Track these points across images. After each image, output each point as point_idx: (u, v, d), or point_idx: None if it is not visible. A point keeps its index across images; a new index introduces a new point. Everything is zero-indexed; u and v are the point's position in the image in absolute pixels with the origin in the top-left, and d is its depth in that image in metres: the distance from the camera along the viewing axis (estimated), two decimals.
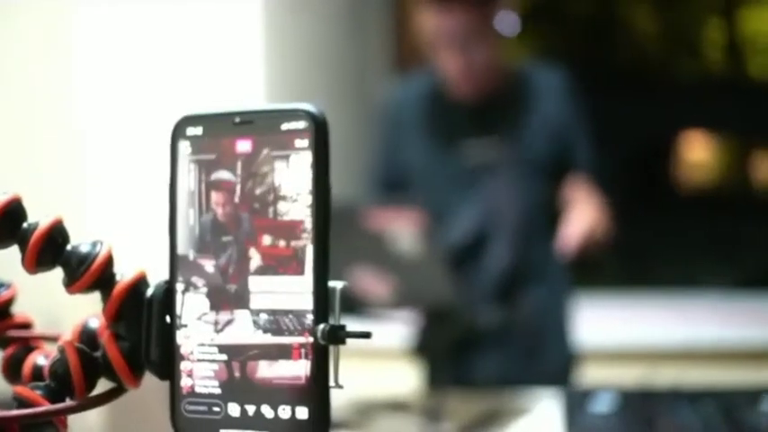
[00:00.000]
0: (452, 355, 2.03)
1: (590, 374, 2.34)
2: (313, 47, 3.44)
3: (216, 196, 0.54)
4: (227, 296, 0.53)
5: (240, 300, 0.53)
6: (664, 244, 6.97)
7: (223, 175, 0.54)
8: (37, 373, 0.67)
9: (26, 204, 0.57)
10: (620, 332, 2.98)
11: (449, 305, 1.76)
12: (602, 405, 1.91)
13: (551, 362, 2.18)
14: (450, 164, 2.13)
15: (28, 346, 0.70)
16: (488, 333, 2.07)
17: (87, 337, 0.61)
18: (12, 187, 0.58)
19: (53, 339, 0.69)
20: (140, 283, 0.55)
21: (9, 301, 0.70)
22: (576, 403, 1.92)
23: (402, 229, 1.62)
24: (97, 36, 3.19)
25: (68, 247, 0.56)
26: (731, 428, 1.82)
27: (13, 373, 0.69)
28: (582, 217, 2.01)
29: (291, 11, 3.29)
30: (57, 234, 0.56)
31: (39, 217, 0.57)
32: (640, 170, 6.91)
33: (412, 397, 1.94)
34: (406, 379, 2.05)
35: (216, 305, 0.54)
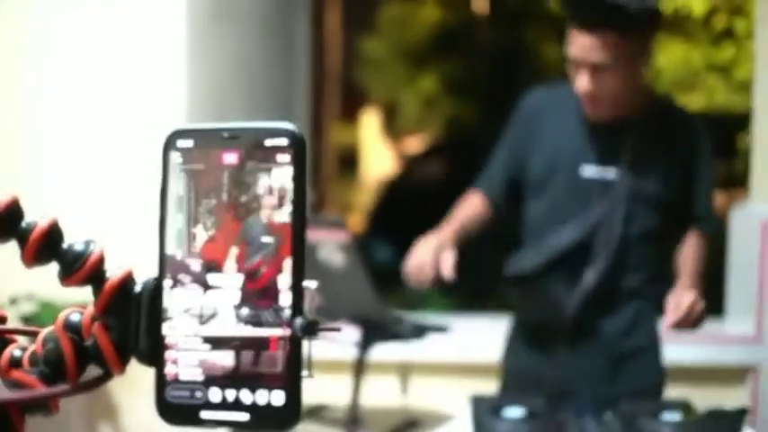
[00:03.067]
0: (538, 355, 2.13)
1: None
2: (234, 58, 3.47)
3: (204, 203, 0.60)
4: (212, 292, 0.59)
5: (227, 293, 0.59)
6: None
7: (211, 183, 0.60)
8: (15, 363, 0.72)
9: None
10: None
11: (374, 316, 1.82)
12: (512, 413, 2.00)
13: (633, 381, 2.22)
14: (569, 175, 2.17)
15: (3, 339, 0.75)
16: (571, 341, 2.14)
17: (71, 328, 0.66)
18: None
19: (32, 333, 0.74)
20: (130, 279, 0.61)
21: None
22: (487, 414, 2.01)
23: (329, 243, 1.68)
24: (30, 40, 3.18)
25: (64, 245, 0.61)
26: None
27: None
28: (689, 292, 2.03)
29: (214, 22, 3.33)
30: (54, 232, 0.61)
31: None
32: None
33: (332, 406, 2.00)
34: (331, 389, 2.11)
35: (201, 300, 0.60)
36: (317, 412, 2.06)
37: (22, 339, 0.76)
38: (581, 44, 2.04)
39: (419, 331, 2.09)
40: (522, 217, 2.27)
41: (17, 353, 0.72)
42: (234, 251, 0.59)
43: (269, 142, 0.59)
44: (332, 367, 2.48)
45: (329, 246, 1.71)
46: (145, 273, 0.62)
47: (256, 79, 3.61)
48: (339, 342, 1.96)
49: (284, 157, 0.59)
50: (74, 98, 3.16)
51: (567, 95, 2.21)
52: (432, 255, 2.02)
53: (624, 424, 1.97)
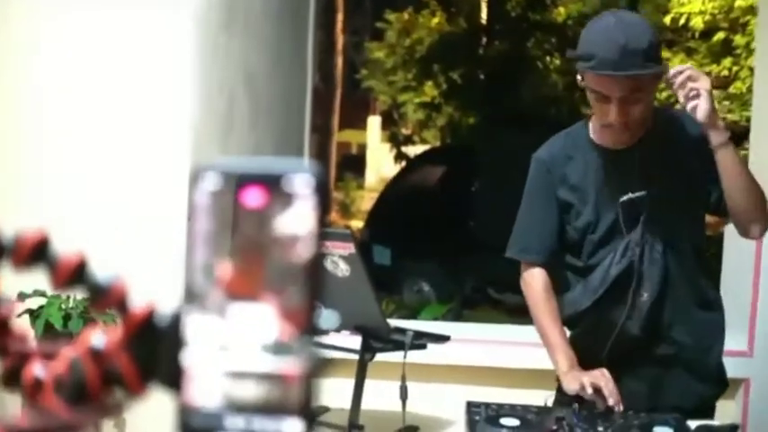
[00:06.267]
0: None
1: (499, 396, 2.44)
2: (242, 67, 3.50)
3: (229, 237, 0.63)
4: (236, 323, 0.62)
5: (248, 326, 0.62)
6: None
7: (236, 219, 0.63)
8: (36, 383, 0.75)
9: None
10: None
11: (376, 326, 1.86)
12: (507, 424, 2.03)
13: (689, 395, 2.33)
14: (605, 208, 2.28)
15: (24, 357, 0.78)
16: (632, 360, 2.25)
17: (95, 352, 0.69)
18: None
19: (53, 353, 0.76)
20: (154, 309, 0.64)
21: (10, 315, 0.77)
22: (483, 422, 2.04)
23: (335, 254, 1.72)
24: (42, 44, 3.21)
25: (90, 273, 0.64)
26: None
27: (13, 383, 0.76)
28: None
29: (222, 31, 3.35)
30: (83, 262, 0.64)
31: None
32: None
33: (334, 409, 2.04)
34: (334, 392, 2.14)
35: (224, 330, 0.62)
36: (319, 414, 2.09)
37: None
38: (605, 82, 2.13)
39: (420, 341, 2.12)
40: (563, 261, 2.37)
41: (38, 372, 0.75)
42: (255, 286, 0.62)
43: (292, 184, 0.62)
44: (334, 371, 2.51)
45: (335, 257, 1.75)
46: (164, 299, 0.65)
47: (264, 87, 3.64)
48: (342, 347, 2.00)
49: (306, 198, 0.61)
50: (80, 108, 3.20)
51: (575, 135, 2.34)
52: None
53: None
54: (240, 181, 0.63)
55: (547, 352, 2.29)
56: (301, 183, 0.62)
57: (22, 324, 0.84)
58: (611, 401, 2.10)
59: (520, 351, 3.14)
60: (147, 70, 3.18)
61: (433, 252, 6.77)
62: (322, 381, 0.61)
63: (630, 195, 2.25)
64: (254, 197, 0.62)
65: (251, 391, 0.61)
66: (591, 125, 2.34)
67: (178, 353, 0.63)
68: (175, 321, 0.63)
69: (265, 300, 0.62)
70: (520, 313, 3.64)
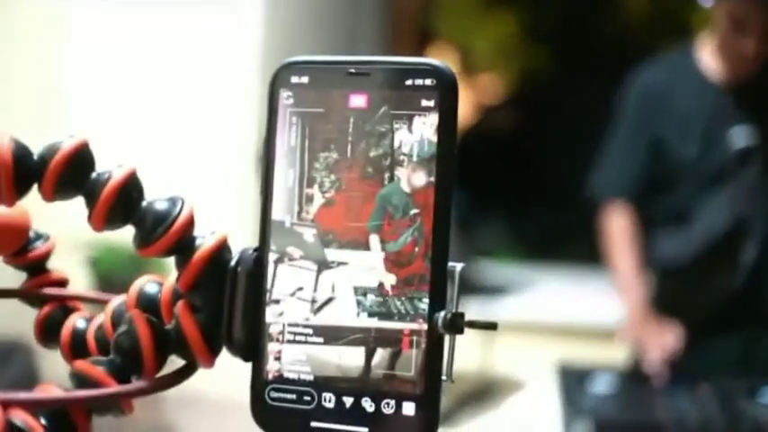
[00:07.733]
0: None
1: (588, 354, 2.30)
2: (309, 11, 3.39)
3: (322, 156, 0.47)
4: (329, 271, 0.47)
5: (348, 273, 0.46)
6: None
7: (332, 131, 0.47)
8: (78, 337, 0.61)
9: None
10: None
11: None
12: (600, 385, 1.87)
13: None
14: (713, 146, 2.05)
15: (64, 306, 0.63)
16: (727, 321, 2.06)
17: (145, 303, 0.54)
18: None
19: (99, 302, 0.62)
20: (225, 247, 0.48)
21: (47, 256, 0.63)
22: (574, 382, 1.89)
23: None
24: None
25: (144, 204, 0.49)
26: (729, 417, 1.80)
27: (49, 335, 0.62)
28: None
29: None
30: (132, 187, 0.48)
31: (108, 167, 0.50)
32: None
33: None
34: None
35: (314, 281, 0.47)
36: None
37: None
38: (750, 12, 1.94)
39: (501, 288, 1.98)
40: (658, 199, 2.13)
41: (81, 324, 0.61)
42: (359, 219, 0.46)
43: (409, 82, 0.46)
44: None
45: None
46: (241, 242, 0.49)
47: (330, 26, 3.53)
48: None
49: (429, 102, 0.45)
50: (144, 38, 3.11)
51: (680, 64, 2.09)
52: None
53: (720, 402, 1.83)
54: (337, 77, 0.47)
55: (617, 293, 2.11)
56: (420, 78, 0.46)
57: (66, 269, 0.71)
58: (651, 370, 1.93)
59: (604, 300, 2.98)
60: (215, 8, 3.08)
61: (504, 200, 6.63)
62: (449, 347, 0.46)
63: (743, 135, 2.03)
64: (355, 97, 0.47)
65: (352, 361, 0.46)
66: (702, 53, 2.10)
67: (255, 307, 0.48)
68: (251, 264, 0.48)
69: (373, 237, 0.46)
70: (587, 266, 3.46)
